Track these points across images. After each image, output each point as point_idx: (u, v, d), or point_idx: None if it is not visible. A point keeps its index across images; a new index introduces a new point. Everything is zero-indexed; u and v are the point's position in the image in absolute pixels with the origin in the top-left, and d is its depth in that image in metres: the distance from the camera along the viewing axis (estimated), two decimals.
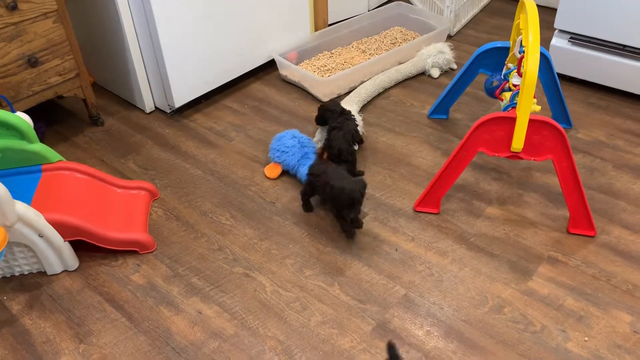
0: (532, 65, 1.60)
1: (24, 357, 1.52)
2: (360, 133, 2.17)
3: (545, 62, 2.06)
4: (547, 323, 1.55)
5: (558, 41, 2.50)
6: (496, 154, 1.76)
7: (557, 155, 1.72)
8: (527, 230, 1.85)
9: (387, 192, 2.03)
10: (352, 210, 1.75)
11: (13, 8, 1.90)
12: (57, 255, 1.71)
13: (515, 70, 1.87)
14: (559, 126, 1.67)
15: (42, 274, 1.75)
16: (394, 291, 1.67)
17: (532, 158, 1.74)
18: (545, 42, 2.61)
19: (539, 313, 1.58)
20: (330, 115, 2.10)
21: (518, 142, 1.71)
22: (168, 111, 2.46)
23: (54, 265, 1.73)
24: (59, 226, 1.67)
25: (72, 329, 1.59)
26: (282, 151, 2.09)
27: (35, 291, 1.70)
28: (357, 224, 1.85)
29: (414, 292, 1.66)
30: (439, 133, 2.31)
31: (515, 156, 1.76)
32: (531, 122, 1.68)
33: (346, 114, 2.10)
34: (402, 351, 1.49)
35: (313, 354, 1.50)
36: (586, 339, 1.51)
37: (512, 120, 1.69)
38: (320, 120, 2.17)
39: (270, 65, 2.73)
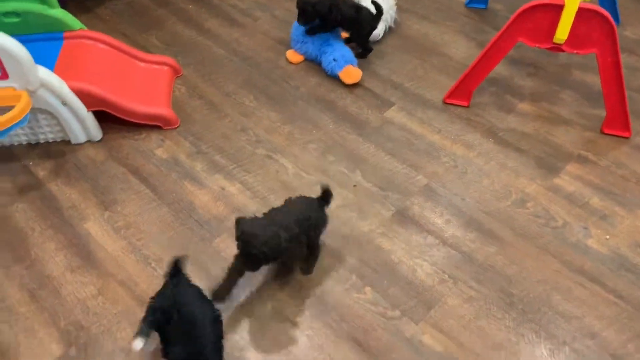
0: None
1: (51, 220, 1.56)
2: (393, 20, 2.05)
3: None
4: (569, 219, 1.54)
5: None
6: (537, 45, 1.67)
7: (603, 49, 1.61)
8: (559, 127, 1.79)
9: (417, 82, 1.96)
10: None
11: None
12: (81, 125, 1.71)
13: None
14: (610, 17, 1.56)
15: (67, 142, 1.76)
16: (416, 180, 1.65)
17: (575, 51, 1.65)
18: None
19: (562, 209, 1.56)
20: (320, 7, 1.89)
21: (563, 32, 1.60)
22: None
23: (77, 135, 1.73)
24: (82, 95, 1.65)
25: (97, 197, 1.61)
26: (302, 42, 2.00)
27: (60, 159, 1.72)
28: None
29: (436, 182, 1.65)
30: (475, 23, 2.18)
31: (557, 48, 1.66)
32: (580, 10, 1.56)
33: None
34: (420, 237, 1.51)
35: (332, 234, 1.52)
36: (608, 237, 1.50)
37: (559, 7, 1.57)
38: (309, 15, 1.91)
39: None
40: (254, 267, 1.29)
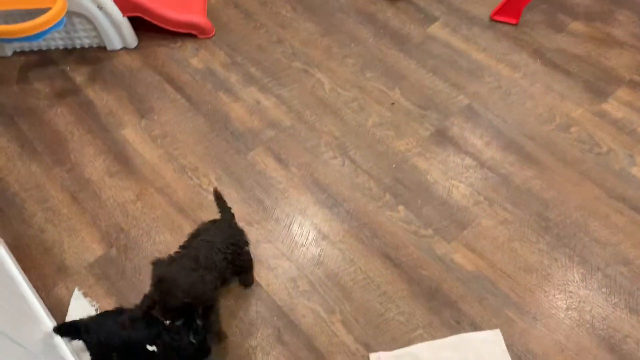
0: None
1: (89, 125, 1.57)
2: None
3: None
4: (614, 146, 1.49)
5: None
6: None
7: None
8: (612, 50, 1.69)
9: None
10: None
11: None
12: (117, 30, 1.68)
13: None
14: None
15: (103, 48, 1.74)
16: (457, 100, 1.60)
17: None
18: None
19: (608, 135, 1.51)
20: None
21: None
22: None
23: (113, 41, 1.70)
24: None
25: (134, 105, 1.61)
26: None
27: (97, 65, 1.71)
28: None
29: (478, 103, 1.60)
30: None
31: None
32: None
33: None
34: (457, 158, 1.48)
35: (367, 151, 1.50)
36: None
37: None
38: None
39: None
40: (172, 318, 1.05)
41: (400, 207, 1.40)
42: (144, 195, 1.43)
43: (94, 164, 1.49)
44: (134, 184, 1.45)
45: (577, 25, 1.76)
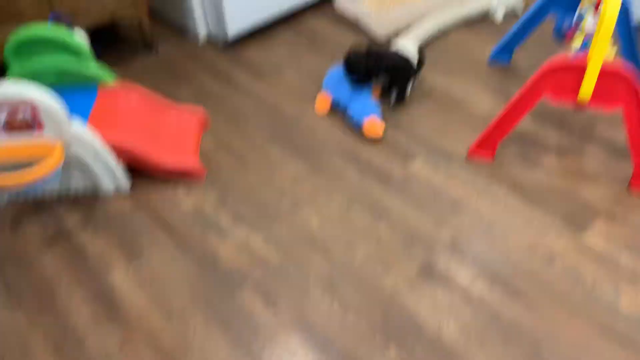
0: (612, 7, 1.48)
1: (79, 271, 1.58)
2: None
3: (623, 9, 1.91)
4: (599, 279, 1.50)
5: None
6: (562, 101, 1.67)
7: (628, 105, 1.61)
8: (586, 183, 1.77)
9: (441, 135, 1.97)
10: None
11: None
12: (110, 176, 1.75)
13: (591, 12, 1.73)
14: (634, 75, 1.56)
15: (96, 193, 1.80)
16: (442, 235, 1.64)
17: (600, 107, 1.64)
18: None
19: (591, 269, 1.53)
20: (358, 65, 1.99)
21: (587, 90, 1.61)
22: (222, 42, 2.43)
23: (107, 186, 1.77)
24: (114, 148, 1.70)
25: (123, 249, 1.63)
26: (336, 83, 2.05)
27: (89, 210, 1.75)
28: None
29: (462, 237, 1.63)
30: (499, 78, 2.20)
31: (582, 105, 1.66)
32: (603, 69, 1.57)
33: (371, 54, 2.00)
34: (446, 294, 1.48)
35: (356, 289, 1.51)
36: None
37: (583, 66, 1.58)
38: (350, 72, 2.02)
39: None
40: None
41: (392, 348, 1.37)
42: (130, 342, 1.40)
43: (80, 311, 1.47)
44: (119, 331, 1.42)
45: (550, 160, 1.85)
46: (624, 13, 1.92)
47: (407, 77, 2.07)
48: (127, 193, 1.80)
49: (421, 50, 2.11)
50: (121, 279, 1.55)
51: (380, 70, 2.01)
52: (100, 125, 1.72)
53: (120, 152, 1.71)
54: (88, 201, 1.78)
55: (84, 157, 1.67)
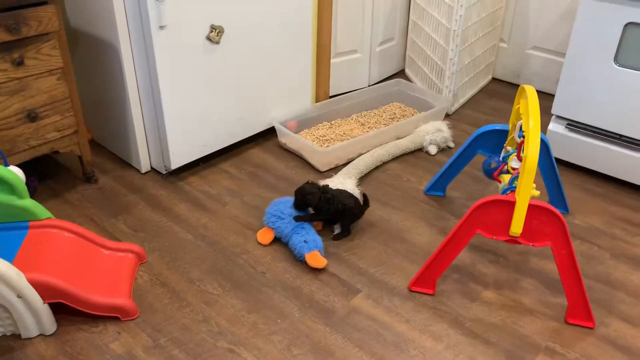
0: (532, 150, 1.60)
1: None
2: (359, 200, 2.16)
3: (543, 147, 2.07)
4: None
5: (555, 126, 2.53)
6: (494, 237, 1.73)
7: (556, 242, 1.69)
8: (524, 317, 1.79)
9: (382, 268, 1.98)
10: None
11: (19, 64, 1.91)
12: (35, 318, 1.63)
13: (515, 154, 1.87)
14: (559, 213, 1.66)
15: (16, 336, 1.66)
16: None
17: (531, 244, 1.71)
18: (542, 126, 2.65)
19: None
20: (311, 198, 2.04)
21: (517, 226, 1.68)
22: (164, 172, 2.44)
23: (29, 329, 1.64)
24: (41, 287, 1.60)
25: None
26: (278, 217, 2.06)
27: (7, 355, 1.61)
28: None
29: None
30: (435, 210, 2.29)
31: (514, 241, 1.73)
32: (530, 207, 1.66)
33: (326, 192, 2.07)
34: None
35: None
36: None
37: (511, 204, 1.67)
38: (301, 204, 2.07)
39: (270, 132, 2.74)
40: None
41: None
42: None
43: None
44: None
45: (488, 294, 1.88)
46: (544, 150, 2.08)
47: (353, 219, 2.14)
48: (52, 335, 1.67)
49: (365, 195, 2.19)
50: None
51: (330, 209, 2.05)
52: (27, 265, 1.63)
53: (48, 291, 1.61)
54: (6, 346, 1.64)
55: (5, 300, 1.56)
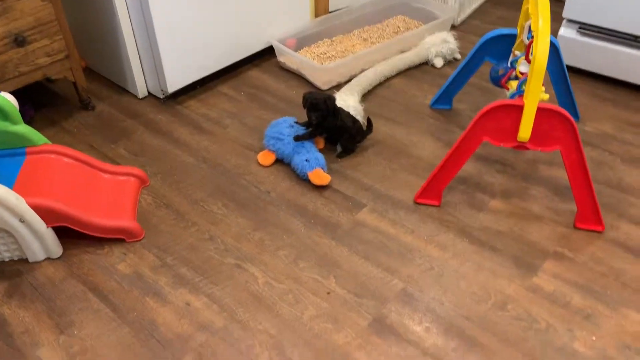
0: (542, 50, 1.52)
1: (0, 347, 1.44)
2: (361, 123, 2.09)
3: (553, 51, 1.97)
4: (552, 321, 1.47)
5: (566, 31, 2.42)
6: (502, 144, 1.68)
7: (566, 146, 1.64)
8: (532, 224, 1.77)
9: (387, 183, 1.95)
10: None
11: None
12: (39, 242, 1.63)
13: (523, 57, 1.78)
14: (569, 115, 1.59)
15: (24, 261, 1.67)
16: (392, 285, 1.59)
17: (539, 149, 1.66)
18: (552, 33, 2.52)
19: (544, 311, 1.50)
20: (318, 101, 1.96)
21: (525, 131, 1.63)
22: (161, 97, 2.38)
23: (35, 253, 1.65)
24: (42, 211, 1.59)
25: (53, 319, 1.51)
26: (277, 138, 2.01)
27: (16, 279, 1.62)
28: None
29: (412, 286, 1.59)
30: (441, 124, 2.23)
31: (522, 146, 1.68)
32: (539, 110, 1.59)
33: (332, 98, 1.99)
34: (399, 348, 1.42)
35: (305, 349, 1.42)
36: (594, 338, 1.43)
37: (520, 108, 1.61)
38: (308, 108, 1.99)
39: (268, 51, 2.64)
40: None
41: None
42: None
43: None
44: None
45: (496, 203, 1.85)
46: (554, 54, 1.98)
47: (351, 140, 2.08)
48: (59, 259, 1.68)
49: (370, 120, 2.11)
50: (50, 353, 1.42)
51: (332, 126, 2.00)
52: (27, 190, 1.62)
53: (50, 215, 1.60)
54: (15, 270, 1.65)
55: (8, 224, 1.55)
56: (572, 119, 1.60)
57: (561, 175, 1.93)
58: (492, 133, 1.68)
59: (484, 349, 1.41)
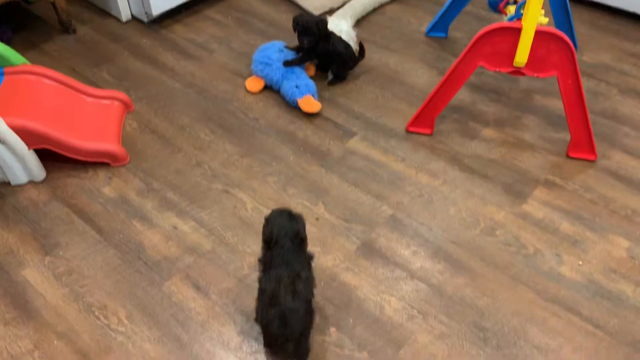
0: None
1: None
2: (353, 49, 2.02)
3: None
4: (540, 246, 1.48)
5: None
6: (497, 69, 1.63)
7: (563, 71, 1.59)
8: (524, 152, 1.75)
9: (379, 111, 1.91)
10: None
11: None
12: (22, 165, 1.59)
13: None
14: (567, 39, 1.54)
15: (6, 184, 1.63)
16: (381, 211, 1.58)
17: (536, 74, 1.62)
18: None
19: (532, 236, 1.50)
20: (322, 26, 1.90)
21: (522, 55, 1.57)
22: (145, 20, 2.28)
23: (18, 175, 1.61)
24: (22, 132, 1.54)
25: (38, 241, 1.49)
26: (266, 63, 1.94)
27: None
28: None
29: (401, 212, 1.57)
30: (436, 51, 2.16)
31: (518, 72, 1.63)
32: (537, 33, 1.54)
33: (324, 21, 1.91)
34: (386, 270, 1.42)
35: None
36: (580, 263, 1.44)
37: (517, 31, 1.55)
38: (299, 31, 1.91)
39: None
40: None
41: (332, 330, 1.30)
42: (43, 342, 1.26)
43: None
44: (32, 331, 1.28)
45: (488, 132, 1.82)
46: None
47: (343, 66, 2.00)
48: (43, 182, 1.65)
49: (362, 45, 2.03)
50: (35, 273, 1.41)
51: (324, 51, 1.92)
52: (6, 110, 1.56)
53: (31, 136, 1.55)
54: None
55: None
56: (570, 42, 1.54)
57: (556, 105, 1.90)
58: (488, 57, 1.63)
59: (470, 272, 1.42)
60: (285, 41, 2.05)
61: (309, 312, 1.17)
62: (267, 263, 1.20)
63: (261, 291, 1.16)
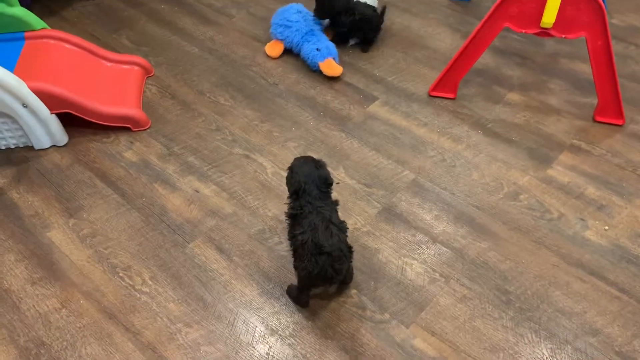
0: None
1: (11, 230, 1.44)
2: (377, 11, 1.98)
3: None
4: (565, 211, 1.45)
5: None
6: (524, 30, 1.59)
7: (592, 32, 1.54)
8: (549, 117, 1.71)
9: (401, 75, 1.88)
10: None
11: None
12: (44, 128, 1.60)
13: None
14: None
15: (30, 148, 1.65)
16: (403, 176, 1.56)
17: (564, 35, 1.57)
18: None
19: (557, 201, 1.48)
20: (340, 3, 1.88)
21: (550, 15, 1.53)
22: None
23: (41, 139, 1.62)
24: (44, 96, 1.54)
25: (62, 204, 1.50)
26: (285, 26, 1.91)
27: (23, 165, 1.61)
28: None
29: (423, 177, 1.56)
30: (459, 15, 2.11)
31: (545, 33, 1.58)
32: None
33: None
34: (408, 234, 1.41)
35: None
36: (606, 228, 1.42)
37: None
38: (322, 10, 1.91)
39: None
40: None
41: (353, 292, 1.30)
42: (70, 301, 1.29)
43: (15, 272, 1.35)
44: (58, 291, 1.31)
45: (513, 96, 1.78)
46: None
47: (371, 32, 1.96)
48: (65, 147, 1.66)
49: (383, 8, 1.98)
50: (60, 235, 1.43)
51: (349, 20, 1.89)
52: (28, 74, 1.56)
53: (52, 100, 1.56)
54: (21, 157, 1.63)
55: (11, 108, 1.51)
56: (600, 1, 1.49)
57: (583, 69, 1.85)
58: (514, 18, 1.58)
59: (494, 236, 1.40)
60: (303, 3, 2.01)
61: (349, 249, 1.20)
62: (296, 215, 1.20)
63: (301, 243, 1.15)
